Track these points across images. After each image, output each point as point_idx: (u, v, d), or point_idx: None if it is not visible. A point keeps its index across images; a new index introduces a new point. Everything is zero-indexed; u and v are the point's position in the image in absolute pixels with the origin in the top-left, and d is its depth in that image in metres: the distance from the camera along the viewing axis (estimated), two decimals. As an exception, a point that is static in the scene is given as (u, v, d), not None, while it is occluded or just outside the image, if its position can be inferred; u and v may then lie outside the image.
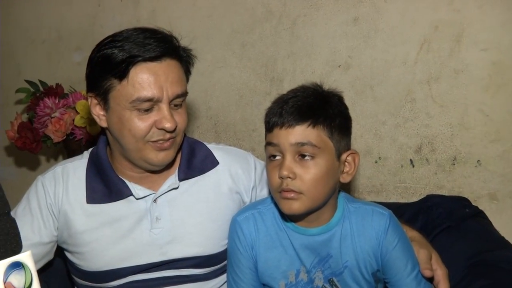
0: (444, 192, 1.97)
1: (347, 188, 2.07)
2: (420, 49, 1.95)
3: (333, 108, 1.24)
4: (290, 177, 1.20)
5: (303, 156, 1.21)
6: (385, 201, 2.00)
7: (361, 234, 1.30)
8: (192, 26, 2.16)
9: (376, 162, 2.04)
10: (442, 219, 1.73)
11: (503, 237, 1.70)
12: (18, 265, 0.94)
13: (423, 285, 1.31)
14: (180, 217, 1.37)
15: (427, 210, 1.78)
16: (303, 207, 1.22)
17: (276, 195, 1.25)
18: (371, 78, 2.01)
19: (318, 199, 1.23)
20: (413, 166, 2.00)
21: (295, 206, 1.22)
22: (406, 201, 1.96)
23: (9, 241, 1.25)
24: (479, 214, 1.79)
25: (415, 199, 1.94)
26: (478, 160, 1.94)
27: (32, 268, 0.95)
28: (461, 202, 1.83)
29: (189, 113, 2.19)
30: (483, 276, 1.53)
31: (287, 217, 1.31)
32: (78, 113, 1.89)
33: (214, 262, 1.38)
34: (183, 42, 1.38)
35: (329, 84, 2.00)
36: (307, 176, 1.20)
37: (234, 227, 1.35)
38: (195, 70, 2.15)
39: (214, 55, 2.15)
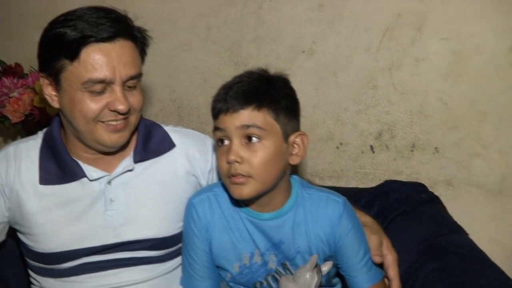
0: (403, 177, 1.98)
1: (307, 173, 2.07)
2: (383, 36, 1.95)
3: (278, 91, 1.23)
4: (237, 162, 1.19)
5: (250, 139, 1.20)
6: (345, 186, 2.01)
7: (315, 220, 1.30)
8: (157, 9, 2.11)
9: (337, 147, 2.04)
10: (399, 204, 1.75)
11: (455, 222, 1.73)
12: None
13: (374, 271, 1.32)
14: (135, 199, 1.35)
15: (384, 195, 1.80)
16: (253, 191, 1.21)
17: (226, 180, 1.24)
18: (334, 64, 2.00)
19: (267, 182, 1.22)
20: (373, 152, 2.01)
21: (245, 191, 1.21)
22: (366, 186, 1.97)
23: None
24: (434, 200, 1.82)
25: (374, 184, 1.94)
26: (436, 147, 1.95)
27: None
28: (418, 188, 1.86)
29: (152, 96, 2.16)
30: (435, 259, 1.56)
31: (240, 201, 1.30)
32: (37, 93, 1.84)
33: (169, 245, 1.37)
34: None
35: (293, 70, 2.02)
36: (255, 159, 1.19)
37: (189, 209, 1.34)
38: (159, 53, 2.13)
39: (178, 38, 2.12)
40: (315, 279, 1.10)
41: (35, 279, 1.39)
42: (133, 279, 1.33)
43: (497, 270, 1.55)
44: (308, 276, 1.10)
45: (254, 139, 1.20)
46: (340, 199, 1.32)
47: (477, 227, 1.86)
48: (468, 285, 1.47)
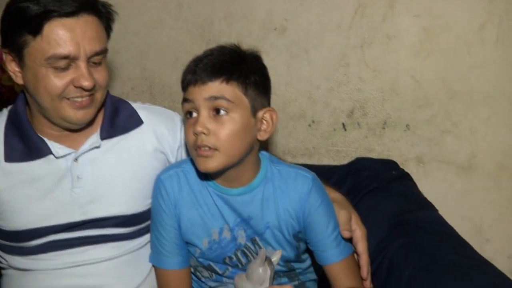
0: (374, 155, 1.99)
1: (280, 151, 2.07)
2: (354, 13, 1.94)
3: (249, 66, 1.22)
4: (204, 133, 1.19)
5: (217, 111, 1.20)
6: (317, 164, 2.01)
7: (284, 196, 1.30)
8: (128, -15, 2.08)
9: (309, 125, 2.03)
10: (370, 181, 1.76)
11: (425, 199, 1.75)
12: None
13: (343, 246, 1.33)
14: (102, 176, 1.33)
15: (355, 173, 1.81)
16: (219, 164, 1.21)
17: (193, 152, 1.23)
18: (306, 41, 1.99)
19: (233, 155, 1.21)
20: (345, 130, 2.01)
21: (210, 164, 1.20)
22: (338, 164, 1.97)
23: None
24: (405, 177, 1.84)
25: (346, 162, 1.95)
26: (407, 125, 1.96)
27: None
28: (389, 165, 1.87)
29: (124, 75, 2.13)
30: (404, 234, 1.58)
31: (209, 176, 1.30)
32: (5, 71, 1.80)
33: (137, 221, 1.36)
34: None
35: (265, 48, 2.00)
36: (222, 132, 1.19)
37: (157, 185, 1.33)
38: (130, 31, 2.10)
39: (149, 15, 2.09)
40: (268, 272, 1.10)
41: (2, 258, 1.37)
42: (102, 256, 1.32)
43: (466, 245, 1.57)
44: (260, 271, 1.10)
45: (221, 111, 1.19)
46: (309, 175, 1.32)
47: (447, 204, 1.90)
48: (436, 260, 1.48)
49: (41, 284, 1.32)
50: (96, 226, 1.32)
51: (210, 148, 1.20)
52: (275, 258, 1.14)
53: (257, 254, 1.31)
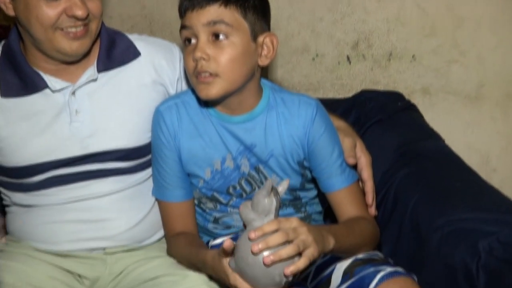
0: (380, 87, 1.95)
1: (284, 86, 2.02)
2: None
3: None
4: (204, 59, 1.16)
5: (217, 36, 1.17)
6: (322, 98, 1.98)
7: (287, 123, 1.28)
8: None
9: (313, 59, 1.99)
10: (375, 113, 1.73)
11: (431, 129, 1.72)
12: None
13: (348, 173, 1.31)
14: (101, 110, 1.30)
15: (360, 104, 1.78)
16: (219, 91, 1.19)
17: (193, 79, 1.21)
18: (308, -29, 1.92)
19: (234, 81, 1.19)
20: (350, 63, 1.97)
21: (211, 91, 1.18)
22: (343, 98, 1.93)
23: None
24: (411, 108, 1.81)
25: (351, 95, 1.90)
26: (413, 55, 1.92)
27: None
28: (394, 97, 1.84)
29: (123, 13, 2.07)
30: (410, 164, 1.57)
31: (210, 104, 1.27)
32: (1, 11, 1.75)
33: (138, 155, 1.34)
34: None
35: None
36: (222, 57, 1.16)
37: (156, 117, 1.31)
38: (127, -34, 2.03)
39: (146, -51, 2.01)
40: (274, 203, 1.07)
41: (5, 195, 1.36)
42: (104, 190, 1.31)
43: (473, 173, 1.55)
44: (266, 202, 1.06)
45: (221, 36, 1.17)
46: (312, 101, 1.29)
47: (454, 135, 1.87)
48: (442, 188, 1.47)
49: (44, 219, 1.31)
50: (97, 161, 1.30)
51: (210, 74, 1.17)
52: (282, 188, 1.11)
53: (261, 183, 1.30)
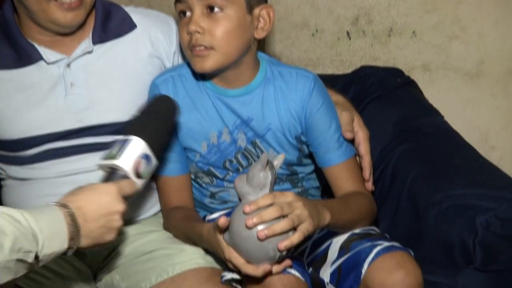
0: (380, 64, 1.92)
1: (283, 62, 2.00)
2: None
3: None
4: (198, 32, 1.16)
5: (211, 9, 1.16)
6: (321, 74, 1.96)
7: (285, 96, 1.27)
8: None
9: (312, 35, 1.96)
10: (374, 88, 1.72)
11: (431, 105, 1.72)
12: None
13: (345, 147, 1.30)
14: (96, 82, 1.29)
15: (360, 80, 1.76)
16: (215, 64, 1.18)
17: (188, 52, 1.20)
18: None
19: (230, 54, 1.18)
20: (350, 38, 1.94)
21: (206, 64, 1.18)
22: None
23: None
24: (411, 84, 1.80)
25: (351, 71, 1.88)
26: (414, 31, 1.89)
27: None
28: (394, 73, 1.82)
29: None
30: (408, 140, 1.56)
31: (206, 77, 1.26)
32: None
33: (134, 129, 1.32)
34: None
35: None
36: (217, 29, 1.16)
37: (152, 90, 1.30)
38: None
39: None
40: (269, 177, 1.06)
41: (1, 168, 1.36)
42: (99, 164, 1.30)
43: (472, 149, 1.55)
44: (261, 175, 1.05)
45: (216, 9, 1.16)
46: (310, 75, 1.29)
47: (453, 112, 1.85)
48: (440, 164, 1.47)
49: (40, 192, 1.30)
50: (93, 134, 1.29)
51: (205, 47, 1.16)
52: (277, 162, 1.10)
53: (258, 157, 1.29)
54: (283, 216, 1.03)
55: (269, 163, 1.07)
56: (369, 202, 1.29)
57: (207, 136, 1.28)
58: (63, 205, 0.95)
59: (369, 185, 1.33)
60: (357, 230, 1.25)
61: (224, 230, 1.07)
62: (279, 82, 1.27)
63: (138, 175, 1.08)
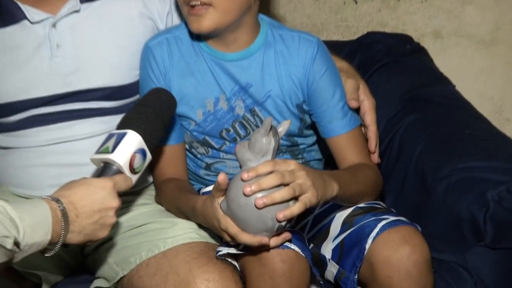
0: (388, 30, 1.90)
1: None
2: None
3: None
4: None
5: None
6: (325, 40, 1.93)
7: (286, 62, 1.24)
8: None
9: (317, -2, 1.93)
10: (381, 56, 1.69)
11: (441, 73, 1.69)
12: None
13: (350, 116, 1.27)
14: (84, 44, 1.25)
15: (366, 47, 1.74)
16: (212, 23, 1.15)
17: (184, 9, 1.17)
18: None
19: (228, 12, 1.15)
20: (356, 3, 1.91)
21: (204, 24, 1.15)
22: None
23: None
24: (420, 51, 1.77)
25: (357, 38, 1.85)
26: (425, -5, 1.86)
27: None
28: (403, 39, 1.79)
29: None
30: (417, 109, 1.53)
31: (203, 39, 1.23)
32: None
33: (125, 94, 1.29)
34: None
35: None
36: None
37: (146, 53, 1.26)
38: None
39: None
40: (272, 144, 1.02)
41: (-18, 136, 1.33)
42: (88, 131, 1.27)
43: (483, 120, 1.52)
44: (264, 141, 1.02)
45: None
46: (313, 38, 1.25)
47: (466, 82, 1.84)
48: (450, 135, 1.45)
49: (23, 162, 1.27)
50: (81, 99, 1.26)
51: (203, 3, 1.13)
52: (282, 128, 1.06)
53: (257, 126, 1.26)
54: (285, 185, 1.00)
55: (272, 129, 1.02)
56: (375, 175, 1.26)
57: (203, 102, 1.25)
58: (55, 200, 0.94)
59: (375, 157, 1.29)
60: (361, 204, 1.22)
61: (222, 193, 1.03)
62: (280, 46, 1.24)
63: (133, 170, 1.06)
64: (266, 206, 0.98)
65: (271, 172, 1.00)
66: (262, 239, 1.02)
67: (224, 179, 1.01)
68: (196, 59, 1.24)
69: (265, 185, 0.98)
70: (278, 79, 1.24)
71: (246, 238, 1.02)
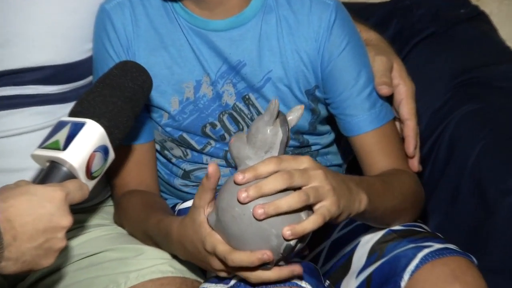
0: (434, -12, 1.93)
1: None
2: None
3: None
4: None
5: None
6: (347, 1, 1.97)
7: (293, 32, 1.27)
8: None
9: None
10: (425, 23, 1.74)
11: (508, 47, 1.70)
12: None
13: (379, 108, 1.29)
14: (17, 8, 1.27)
15: (404, 11, 1.78)
16: None
17: None
18: None
19: None
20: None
21: None
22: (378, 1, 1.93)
23: None
24: (479, 17, 1.80)
25: (387, -1, 1.90)
26: None
27: None
28: (455, 1, 1.83)
29: None
30: (473, 98, 1.56)
31: (179, 1, 1.25)
32: None
33: (73, 76, 1.32)
34: None
35: None
36: None
37: (101, 19, 1.29)
38: None
39: None
40: (279, 135, 1.01)
41: None
42: (22, 126, 1.29)
43: None
44: (268, 131, 1.02)
45: None
46: (330, 1, 1.27)
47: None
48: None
49: None
50: (14, 82, 1.28)
51: None
52: (293, 116, 1.05)
53: (252, 120, 1.28)
54: (294, 190, 0.98)
55: (280, 116, 1.02)
56: (416, 185, 1.27)
57: (179, 87, 1.27)
58: None
59: (415, 164, 1.31)
60: (396, 227, 1.24)
61: (211, 201, 1.02)
62: (284, 10, 1.26)
63: (90, 175, 1.05)
64: (268, 217, 0.96)
65: (275, 172, 0.98)
66: (264, 253, 0.98)
67: (215, 170, 0.99)
68: (170, 28, 1.26)
69: (266, 189, 0.96)
70: (280, 56, 1.26)
71: (241, 257, 0.99)
